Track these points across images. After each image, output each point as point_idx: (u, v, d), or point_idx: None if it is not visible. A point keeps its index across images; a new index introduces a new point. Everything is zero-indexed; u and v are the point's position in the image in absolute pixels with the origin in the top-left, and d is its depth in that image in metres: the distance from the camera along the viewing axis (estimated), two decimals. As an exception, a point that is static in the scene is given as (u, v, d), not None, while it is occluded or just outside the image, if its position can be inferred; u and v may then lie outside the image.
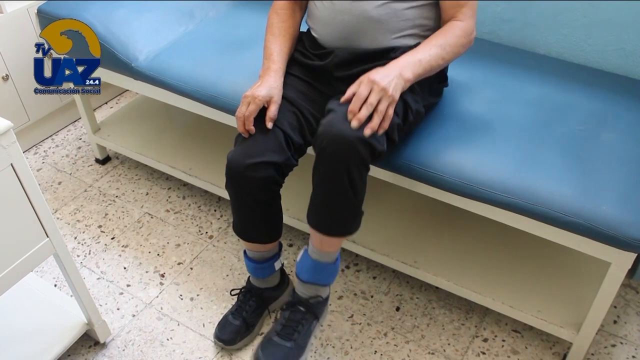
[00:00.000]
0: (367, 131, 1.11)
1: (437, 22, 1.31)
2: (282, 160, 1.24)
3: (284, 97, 1.29)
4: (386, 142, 1.18)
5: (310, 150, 1.42)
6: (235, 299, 1.54)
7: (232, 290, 1.59)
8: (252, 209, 1.30)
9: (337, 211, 1.22)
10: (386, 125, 1.13)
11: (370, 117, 1.12)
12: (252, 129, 1.24)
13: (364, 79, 1.14)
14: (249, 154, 1.23)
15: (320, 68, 1.34)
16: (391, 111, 1.13)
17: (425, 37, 1.29)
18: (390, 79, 1.13)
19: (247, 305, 1.49)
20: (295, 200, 1.60)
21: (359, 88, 1.13)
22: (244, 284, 1.54)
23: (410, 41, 1.29)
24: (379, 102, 1.12)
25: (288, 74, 1.34)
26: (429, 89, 1.32)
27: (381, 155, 1.17)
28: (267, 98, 1.24)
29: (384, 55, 1.28)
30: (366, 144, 1.11)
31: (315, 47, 1.36)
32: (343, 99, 1.15)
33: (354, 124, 1.11)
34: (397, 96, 1.14)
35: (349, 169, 1.13)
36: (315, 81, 1.36)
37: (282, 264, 1.50)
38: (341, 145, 1.11)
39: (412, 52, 1.21)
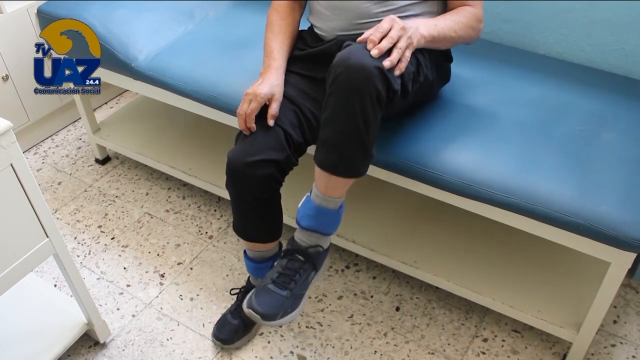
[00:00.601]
0: (387, 63, 1.06)
1: (439, 13, 1.31)
2: (282, 158, 1.23)
3: (284, 95, 1.29)
4: (400, 91, 1.12)
5: (309, 150, 1.42)
6: (235, 299, 1.54)
7: (232, 289, 1.59)
8: (252, 207, 1.30)
9: (347, 148, 1.13)
10: (403, 66, 1.09)
11: (388, 53, 1.08)
12: (253, 126, 1.24)
13: (385, 18, 1.10)
14: (249, 151, 1.23)
15: (323, 52, 1.32)
16: (409, 54, 1.10)
17: None
18: (411, 29, 1.11)
19: None
20: (295, 201, 1.60)
21: (388, 26, 1.08)
22: (244, 284, 1.54)
23: None
24: (399, 40, 1.08)
25: (288, 72, 1.34)
26: (436, 65, 1.31)
27: (395, 98, 1.11)
28: (269, 96, 1.24)
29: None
30: (384, 77, 1.06)
31: (317, 42, 1.37)
32: (360, 38, 1.09)
33: (374, 52, 1.05)
34: (415, 42, 1.11)
35: (363, 101, 1.07)
36: (317, 72, 1.33)
37: None
38: (358, 73, 1.05)
39: (428, 18, 1.22)
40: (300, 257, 1.25)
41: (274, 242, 1.40)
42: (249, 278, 1.51)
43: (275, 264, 1.28)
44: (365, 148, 1.13)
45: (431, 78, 1.29)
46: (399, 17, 1.25)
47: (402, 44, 1.08)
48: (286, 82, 1.31)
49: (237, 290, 1.55)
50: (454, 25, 1.22)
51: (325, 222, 1.23)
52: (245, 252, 1.44)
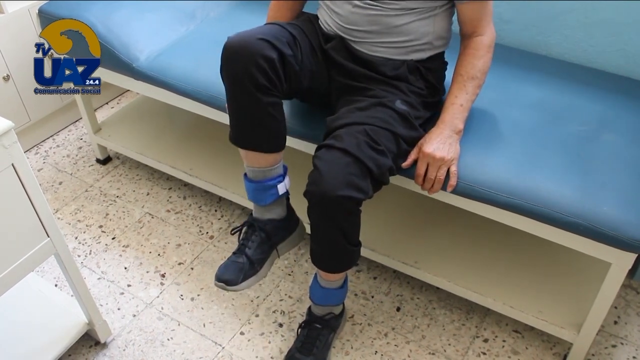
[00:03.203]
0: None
1: (437, 33, 1.29)
2: (288, 53, 1.19)
3: (290, 33, 1.25)
4: (377, 184, 1.19)
5: (308, 149, 1.42)
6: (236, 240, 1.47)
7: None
8: (249, 101, 1.18)
9: (332, 254, 1.28)
10: (438, 187, 1.26)
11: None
12: None
13: (430, 158, 1.23)
14: (250, 34, 1.18)
15: (323, 48, 1.34)
16: (443, 172, 1.24)
17: (421, 50, 1.29)
18: (447, 147, 1.23)
19: (250, 240, 1.31)
20: (295, 201, 1.60)
21: (424, 167, 1.25)
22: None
23: (402, 55, 1.29)
24: (435, 171, 1.24)
25: (297, 26, 1.30)
26: (424, 105, 1.31)
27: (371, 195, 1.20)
28: None
29: (377, 70, 1.29)
30: (352, 200, 1.14)
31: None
32: (405, 165, 1.26)
33: (430, 193, 1.28)
34: (456, 154, 1.25)
35: (339, 223, 1.19)
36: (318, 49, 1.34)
37: (288, 195, 1.36)
38: (328, 205, 1.15)
39: (451, 96, 1.27)
40: (318, 326, 1.43)
41: (275, 153, 1.26)
42: (251, 213, 1.36)
43: (299, 334, 1.45)
44: (349, 250, 1.26)
45: (420, 132, 1.28)
46: (388, 31, 1.26)
47: (433, 175, 1.24)
48: (294, 36, 1.26)
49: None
50: (476, 82, 1.27)
51: (332, 297, 1.41)
52: (245, 175, 1.31)
